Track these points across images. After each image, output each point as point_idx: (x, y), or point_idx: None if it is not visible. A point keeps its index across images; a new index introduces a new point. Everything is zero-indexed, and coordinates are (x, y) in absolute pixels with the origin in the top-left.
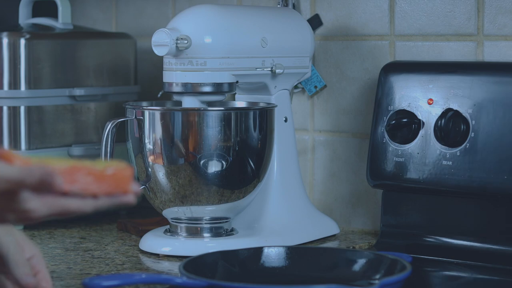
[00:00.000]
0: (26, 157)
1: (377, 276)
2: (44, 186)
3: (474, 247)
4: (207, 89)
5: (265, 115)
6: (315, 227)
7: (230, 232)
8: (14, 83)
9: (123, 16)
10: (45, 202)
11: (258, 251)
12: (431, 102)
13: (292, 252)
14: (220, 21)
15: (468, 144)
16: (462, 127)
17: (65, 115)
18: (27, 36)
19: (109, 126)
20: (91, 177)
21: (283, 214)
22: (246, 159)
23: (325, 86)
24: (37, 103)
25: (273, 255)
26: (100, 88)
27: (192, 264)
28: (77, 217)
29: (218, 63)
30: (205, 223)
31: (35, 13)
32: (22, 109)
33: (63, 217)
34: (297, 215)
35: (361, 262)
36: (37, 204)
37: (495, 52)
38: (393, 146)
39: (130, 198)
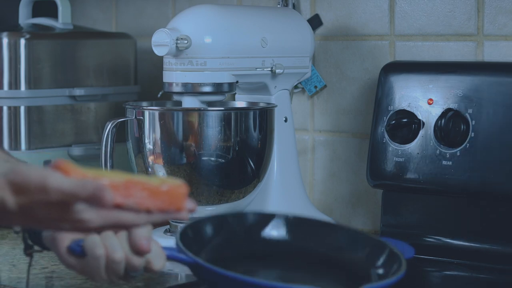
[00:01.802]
0: (84, 170)
1: (378, 264)
2: (95, 200)
3: (474, 247)
4: (207, 89)
5: (265, 115)
6: None
7: None
8: (14, 83)
9: (123, 16)
10: (99, 213)
11: (266, 218)
12: (431, 102)
13: (295, 222)
14: (220, 21)
15: (468, 144)
16: (462, 127)
17: (65, 115)
18: (27, 36)
19: (109, 126)
20: (145, 192)
21: None
22: (246, 159)
23: (325, 86)
24: (37, 103)
25: (278, 225)
26: (100, 88)
27: (192, 229)
28: None
29: (218, 63)
30: None
31: (35, 13)
32: (22, 109)
33: (118, 229)
34: None
35: (363, 247)
36: (91, 215)
37: (495, 52)
38: (393, 146)
39: (184, 215)
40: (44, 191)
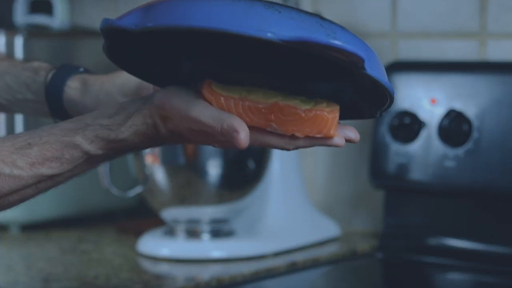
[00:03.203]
0: (230, 93)
1: None
2: (226, 139)
3: (478, 249)
4: None
5: None
6: (316, 228)
7: (229, 233)
8: None
9: None
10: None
11: None
12: (434, 102)
13: None
14: None
15: (471, 145)
16: (465, 127)
17: None
18: (24, 35)
19: None
20: (291, 117)
21: (283, 215)
22: (246, 159)
23: None
24: None
25: None
26: None
27: None
28: (75, 218)
29: None
30: (204, 225)
31: (32, 11)
32: None
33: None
34: (297, 216)
35: None
36: None
37: (498, 51)
38: (395, 147)
39: (336, 142)
40: (186, 121)
